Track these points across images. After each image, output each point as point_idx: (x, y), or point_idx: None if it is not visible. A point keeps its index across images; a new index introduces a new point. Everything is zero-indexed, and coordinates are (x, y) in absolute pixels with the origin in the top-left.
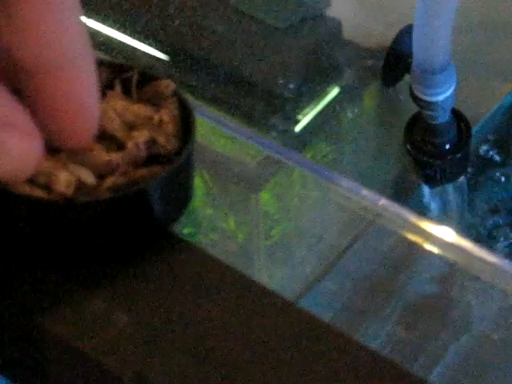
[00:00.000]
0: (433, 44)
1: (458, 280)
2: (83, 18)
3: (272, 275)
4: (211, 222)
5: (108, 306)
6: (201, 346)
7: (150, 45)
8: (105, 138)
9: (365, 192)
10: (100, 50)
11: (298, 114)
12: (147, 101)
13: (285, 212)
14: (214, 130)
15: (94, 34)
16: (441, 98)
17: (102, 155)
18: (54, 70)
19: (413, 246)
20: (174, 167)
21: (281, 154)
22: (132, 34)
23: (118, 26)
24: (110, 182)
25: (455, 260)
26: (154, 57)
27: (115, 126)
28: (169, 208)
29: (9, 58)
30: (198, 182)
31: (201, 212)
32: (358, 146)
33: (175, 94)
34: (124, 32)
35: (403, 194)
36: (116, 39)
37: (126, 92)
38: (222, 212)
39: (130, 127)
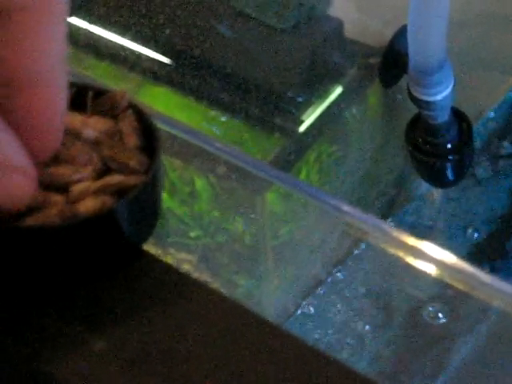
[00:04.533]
0: (428, 44)
1: (447, 297)
2: (87, 25)
3: (280, 275)
4: (218, 225)
5: (84, 330)
6: (179, 371)
7: (150, 48)
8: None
9: (354, 211)
10: (103, 55)
11: (301, 114)
12: (102, 114)
13: (291, 212)
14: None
15: (96, 40)
16: (439, 97)
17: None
18: (41, 83)
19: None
20: (140, 186)
21: (270, 175)
22: (133, 38)
23: (120, 30)
24: (79, 188)
25: (444, 277)
26: (155, 60)
27: (76, 152)
28: (139, 227)
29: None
30: (204, 185)
31: (208, 215)
32: (362, 145)
33: (132, 106)
34: (125, 36)
35: (406, 195)
36: (118, 44)
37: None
38: (228, 214)
39: (91, 143)
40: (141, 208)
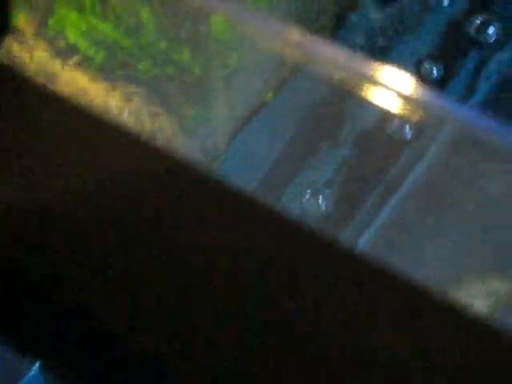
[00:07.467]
0: None
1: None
2: None
3: (229, 104)
4: (166, 55)
5: None
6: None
7: None
8: None
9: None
10: None
11: None
12: None
13: (239, 38)
14: None
15: None
16: None
17: None
18: None
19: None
20: None
21: (210, 3)
22: None
23: None
24: None
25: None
26: None
27: None
28: None
29: None
30: (148, 14)
31: (155, 46)
32: None
33: None
34: None
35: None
36: None
37: None
38: (175, 44)
39: None
40: None
